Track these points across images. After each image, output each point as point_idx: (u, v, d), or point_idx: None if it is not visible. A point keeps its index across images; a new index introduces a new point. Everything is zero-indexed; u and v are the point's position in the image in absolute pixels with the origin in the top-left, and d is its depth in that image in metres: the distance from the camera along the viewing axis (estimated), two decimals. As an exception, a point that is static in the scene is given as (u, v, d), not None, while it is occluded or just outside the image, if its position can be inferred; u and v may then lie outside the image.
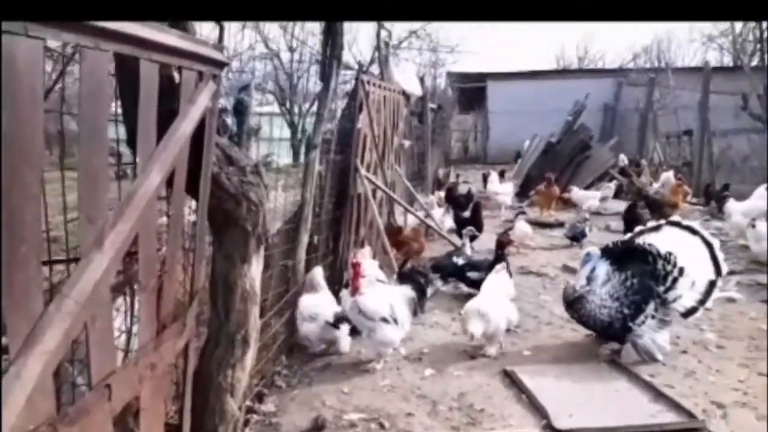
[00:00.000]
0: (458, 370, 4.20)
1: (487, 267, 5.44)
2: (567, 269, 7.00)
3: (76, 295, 1.47)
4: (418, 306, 4.47)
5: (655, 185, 12.64)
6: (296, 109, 21.02)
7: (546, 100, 21.22)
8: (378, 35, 8.51)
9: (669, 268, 4.36)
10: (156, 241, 1.97)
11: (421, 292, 4.53)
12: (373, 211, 6.32)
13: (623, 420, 3.41)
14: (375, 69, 10.13)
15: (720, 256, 4.46)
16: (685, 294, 4.36)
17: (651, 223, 4.91)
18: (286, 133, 18.62)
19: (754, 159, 14.58)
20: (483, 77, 26.04)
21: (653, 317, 4.29)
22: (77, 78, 1.55)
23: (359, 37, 32.37)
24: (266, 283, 3.77)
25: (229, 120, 5.72)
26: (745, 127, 15.76)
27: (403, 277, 4.73)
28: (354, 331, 4.47)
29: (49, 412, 1.39)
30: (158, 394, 2.02)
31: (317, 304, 4.37)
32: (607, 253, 4.59)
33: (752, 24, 17.37)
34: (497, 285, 4.79)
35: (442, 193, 10.74)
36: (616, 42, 61.54)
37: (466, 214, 8.62)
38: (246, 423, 3.28)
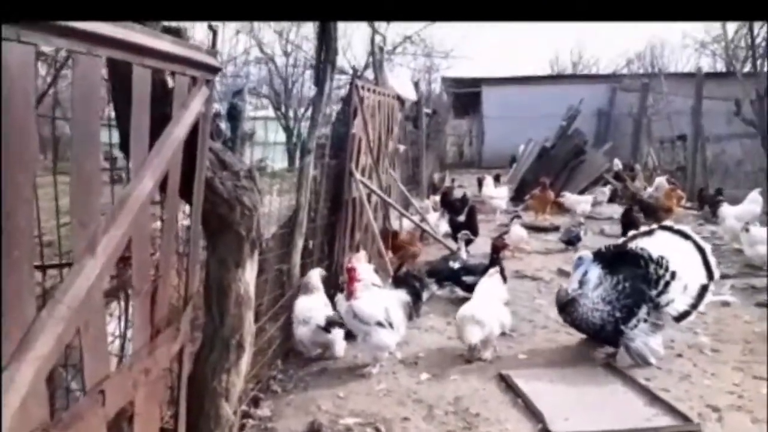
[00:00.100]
0: (454, 374, 4.19)
1: (482, 271, 5.45)
2: (562, 273, 7.01)
3: (68, 300, 1.46)
4: (413, 310, 4.47)
5: (649, 190, 12.71)
6: (291, 114, 21.04)
7: (540, 105, 21.29)
8: (372, 40, 8.54)
9: (661, 272, 4.38)
10: (149, 246, 1.97)
11: (416, 296, 4.53)
12: (368, 215, 6.32)
13: (619, 424, 3.42)
14: (370, 74, 10.16)
15: (712, 260, 4.48)
16: (678, 298, 4.38)
17: (644, 228, 4.93)
18: (281, 137, 18.63)
19: (747, 164, 14.67)
20: (478, 82, 26.12)
21: (646, 321, 4.30)
22: (71, 82, 1.55)
23: (354, 42, 32.44)
24: (261, 288, 3.77)
25: (223, 125, 5.72)
26: (738, 132, 15.84)
27: (398, 281, 4.72)
28: (349, 336, 4.46)
29: (42, 418, 1.38)
30: (153, 399, 2.01)
31: (311, 307, 4.36)
32: (599, 257, 4.62)
33: (744, 30, 17.49)
34: (490, 289, 4.79)
35: (438, 198, 10.75)
36: (610, 48, 62.02)
37: (462, 218, 8.63)
38: (241, 428, 3.26)
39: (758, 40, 16.81)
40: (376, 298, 4.27)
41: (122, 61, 1.69)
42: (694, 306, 4.39)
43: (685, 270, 4.41)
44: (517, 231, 8.39)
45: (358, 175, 5.96)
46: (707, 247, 4.54)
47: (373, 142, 6.55)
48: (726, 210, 8.69)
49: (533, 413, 3.55)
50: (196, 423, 2.53)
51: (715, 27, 19.95)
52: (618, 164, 15.13)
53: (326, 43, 4.96)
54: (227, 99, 5.97)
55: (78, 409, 1.54)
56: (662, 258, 4.41)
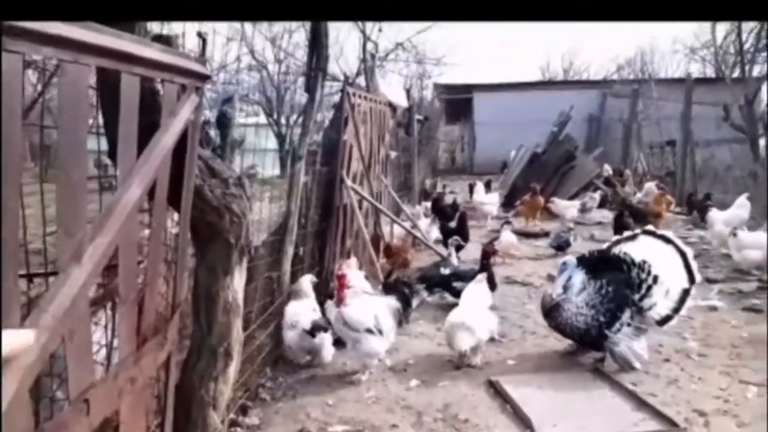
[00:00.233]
0: (443, 381, 4.20)
1: (472, 277, 5.46)
2: (552, 279, 7.03)
3: (53, 309, 1.46)
4: (403, 316, 4.48)
5: (639, 195, 12.79)
6: (284, 121, 21.04)
7: (532, 111, 21.43)
8: (364, 47, 8.59)
9: (643, 276, 4.43)
10: (137, 254, 1.97)
11: (405, 303, 4.54)
12: (359, 222, 6.34)
13: (606, 429, 3.44)
14: (362, 81, 10.19)
15: (693, 264, 4.52)
16: (660, 302, 4.42)
17: (627, 233, 4.98)
18: (273, 144, 18.61)
19: (736, 169, 14.81)
20: (469, 89, 26.25)
21: (629, 325, 4.35)
22: (58, 90, 1.56)
23: (346, 49, 32.46)
24: (251, 295, 3.77)
25: (213, 132, 5.73)
26: (726, 138, 16.02)
27: (388, 288, 4.74)
28: (339, 343, 4.46)
29: (26, 427, 1.38)
30: (139, 408, 2.01)
31: (298, 312, 4.36)
32: (583, 262, 4.66)
33: (733, 36, 17.69)
34: (476, 295, 4.80)
35: (429, 204, 10.78)
36: (601, 54, 62.34)
37: (452, 224, 8.66)
38: (229, 436, 3.26)
39: (746, 46, 17.04)
40: (365, 304, 4.27)
41: (111, 69, 1.69)
42: (676, 310, 4.43)
43: (667, 274, 4.46)
44: (508, 237, 8.42)
45: (349, 182, 5.97)
46: (689, 251, 4.59)
47: (365, 149, 6.58)
48: (714, 215, 8.77)
49: (522, 419, 3.57)
50: None
51: (704, 33, 20.22)
52: (608, 169, 15.23)
53: (317, 51, 4.98)
54: (217, 106, 5.97)
55: (62, 419, 1.54)
56: (645, 262, 4.46)
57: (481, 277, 5.07)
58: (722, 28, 18.59)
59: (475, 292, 4.84)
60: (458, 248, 7.10)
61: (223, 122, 5.66)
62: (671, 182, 14.55)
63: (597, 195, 12.58)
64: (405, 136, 12.04)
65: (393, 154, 9.13)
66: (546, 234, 10.13)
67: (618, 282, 4.42)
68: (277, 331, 4.43)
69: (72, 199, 1.54)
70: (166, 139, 2.01)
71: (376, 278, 5.93)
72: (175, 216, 2.41)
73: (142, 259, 2.10)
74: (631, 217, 9.71)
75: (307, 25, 5.87)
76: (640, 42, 30.62)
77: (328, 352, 4.43)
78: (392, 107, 8.33)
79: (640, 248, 4.59)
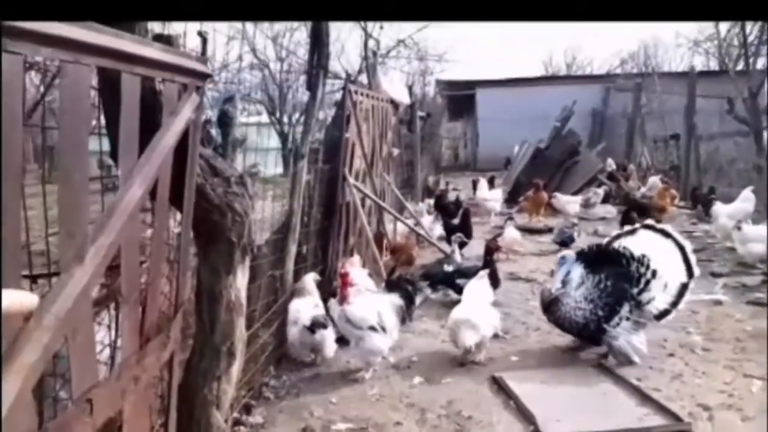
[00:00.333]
0: (447, 378, 4.21)
1: (475, 273, 5.46)
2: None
3: (56, 309, 1.47)
4: (406, 314, 4.49)
5: (643, 189, 12.74)
6: (286, 119, 21.03)
7: (534, 106, 21.34)
8: (366, 45, 8.58)
9: (642, 270, 4.43)
10: (139, 254, 1.97)
11: (409, 300, 4.54)
12: (362, 219, 6.34)
13: (610, 424, 3.44)
14: (364, 78, 10.18)
15: (692, 258, 4.52)
16: (658, 296, 4.42)
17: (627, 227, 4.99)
18: (275, 142, 18.61)
19: (740, 162, 14.70)
20: (472, 85, 26.17)
21: (628, 319, 4.35)
22: (59, 91, 1.56)
23: (347, 47, 32.47)
24: (254, 294, 3.78)
25: (214, 131, 5.73)
26: (731, 131, 15.89)
27: (391, 286, 4.74)
28: (342, 341, 4.47)
29: (29, 427, 1.39)
30: (142, 408, 2.02)
31: (299, 308, 4.37)
32: (581, 256, 4.68)
33: (737, 29, 17.58)
34: (478, 291, 4.80)
35: (432, 201, 10.78)
36: (604, 48, 62.22)
37: (456, 221, 8.66)
38: (234, 435, 3.27)
39: (750, 38, 16.91)
40: (368, 302, 4.28)
41: (111, 69, 1.70)
42: (674, 304, 4.44)
43: (665, 268, 4.46)
44: (511, 233, 8.42)
45: (351, 180, 5.97)
46: (687, 245, 4.59)
47: (367, 147, 6.58)
48: (719, 208, 8.74)
49: (525, 415, 3.57)
50: (187, 431, 2.54)
51: (708, 26, 20.02)
52: (612, 164, 15.18)
53: (318, 49, 4.98)
54: (219, 105, 5.98)
55: (65, 419, 1.54)
56: (644, 256, 4.46)
57: (483, 273, 5.07)
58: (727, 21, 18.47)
59: (477, 288, 4.84)
60: (462, 245, 7.09)
61: (225, 121, 5.66)
62: (675, 176, 14.48)
63: (601, 190, 12.55)
64: (407, 133, 12.03)
65: (395, 152, 9.13)
66: (550, 230, 10.12)
67: (617, 276, 4.43)
68: (280, 329, 4.44)
69: (74, 199, 1.55)
70: (167, 139, 2.02)
71: (380, 276, 5.93)
72: (178, 215, 2.42)
73: (144, 259, 2.11)
74: (629, 214, 9.71)
75: (309, 23, 5.87)
76: (643, 36, 30.50)
77: (330, 348, 4.43)
78: (394, 104, 8.32)
79: (640, 242, 4.61)
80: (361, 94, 6.43)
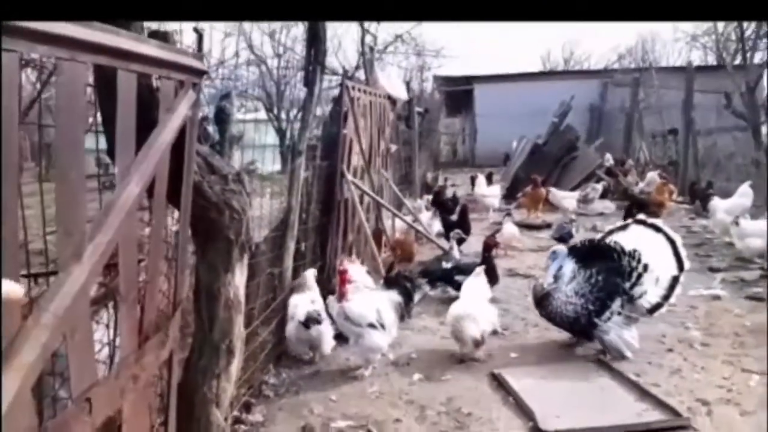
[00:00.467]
0: (446, 374, 4.21)
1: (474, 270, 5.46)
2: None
3: (54, 308, 1.46)
4: (405, 311, 4.49)
5: (641, 184, 12.75)
6: (283, 116, 21.00)
7: (532, 101, 21.32)
8: (363, 40, 8.55)
9: (634, 264, 4.46)
10: (137, 252, 1.97)
11: (407, 297, 4.55)
12: (361, 216, 6.33)
13: (609, 419, 3.44)
14: (361, 74, 10.15)
15: (682, 251, 4.54)
16: (650, 290, 4.44)
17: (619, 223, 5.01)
18: (273, 139, 18.59)
19: (738, 157, 14.72)
20: (469, 80, 26.15)
21: (620, 314, 4.38)
22: (55, 89, 1.55)
23: (344, 43, 32.33)
24: (253, 292, 3.78)
25: (211, 128, 5.71)
26: (729, 126, 15.91)
27: (390, 282, 4.74)
28: (341, 338, 4.47)
29: (29, 426, 1.39)
30: (141, 407, 2.01)
31: (296, 304, 4.37)
32: (573, 251, 4.71)
33: (734, 23, 17.58)
34: (476, 288, 4.81)
35: (430, 197, 10.78)
36: (601, 43, 62.12)
37: (454, 217, 8.65)
38: (233, 432, 3.27)
39: (748, 33, 16.91)
40: (367, 299, 4.28)
41: (108, 66, 1.69)
42: (666, 297, 4.46)
43: (657, 262, 4.49)
44: (510, 229, 8.42)
45: (349, 176, 5.96)
46: (678, 239, 4.61)
47: (365, 143, 6.56)
48: (717, 203, 8.74)
49: (525, 411, 3.58)
50: (187, 430, 2.53)
51: (705, 21, 20.06)
52: (610, 159, 15.18)
53: (315, 45, 4.97)
54: (215, 102, 5.96)
55: (65, 418, 1.54)
56: (635, 251, 4.48)
57: (480, 270, 5.07)
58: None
59: (475, 285, 4.84)
60: (460, 241, 7.09)
61: (222, 118, 5.64)
62: (673, 171, 14.48)
63: (599, 185, 12.56)
64: (405, 129, 12.01)
65: (393, 148, 9.11)
66: (548, 225, 10.12)
67: (608, 271, 4.46)
68: (279, 327, 4.44)
69: (71, 197, 1.54)
70: (164, 136, 2.01)
71: (378, 273, 5.93)
72: (175, 213, 2.41)
73: (142, 257, 2.11)
74: (632, 209, 9.71)
75: (306, 19, 5.85)
76: (641, 30, 30.42)
77: (327, 345, 4.41)
78: (392, 100, 8.31)
79: (631, 237, 4.63)
80: (359, 90, 6.41)
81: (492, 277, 5.70)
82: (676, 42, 26.94)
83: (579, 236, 8.62)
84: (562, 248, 4.81)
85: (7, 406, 1.29)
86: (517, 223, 9.32)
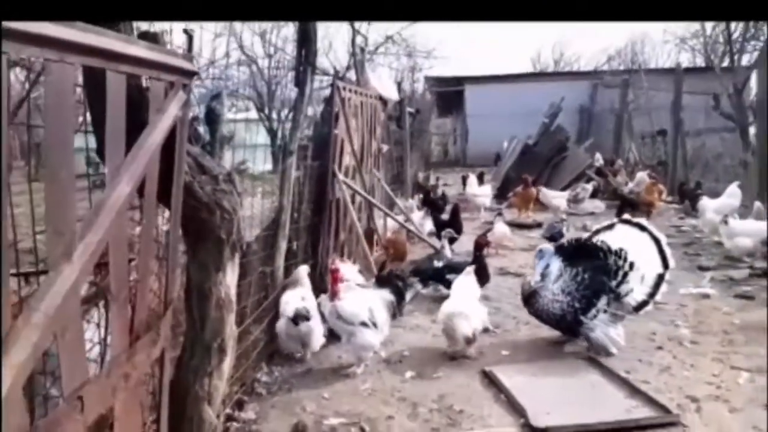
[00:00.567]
0: (438, 372, 4.23)
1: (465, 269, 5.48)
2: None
3: (45, 307, 1.46)
4: (397, 309, 4.50)
5: (631, 185, 12.84)
6: (275, 115, 20.98)
7: (523, 102, 21.44)
8: (353, 41, 8.56)
9: (620, 263, 4.51)
10: (128, 252, 1.97)
11: (399, 296, 4.56)
12: (352, 215, 6.34)
13: (600, 416, 3.46)
14: (352, 75, 10.17)
15: (667, 250, 4.59)
16: (636, 288, 4.50)
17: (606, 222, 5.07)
18: (264, 138, 18.56)
19: (726, 157, 14.87)
20: (460, 81, 26.24)
21: (605, 311, 4.43)
22: (44, 90, 1.56)
23: (335, 43, 32.37)
24: (245, 291, 3.78)
25: (201, 128, 5.71)
26: (717, 127, 16.09)
27: (382, 281, 4.75)
28: (334, 336, 4.47)
29: (20, 425, 1.39)
30: (133, 405, 2.01)
31: (288, 300, 4.37)
32: (560, 250, 4.77)
33: (722, 26, 17.74)
34: (466, 287, 4.83)
35: (422, 196, 10.82)
36: (591, 45, 62.38)
37: (445, 216, 8.68)
38: (225, 431, 3.27)
39: (735, 35, 17.10)
40: (359, 298, 4.29)
41: (97, 67, 1.69)
42: (652, 295, 4.51)
43: (642, 261, 4.54)
44: (501, 228, 8.46)
45: (341, 176, 5.97)
46: (662, 238, 4.66)
47: (356, 143, 6.57)
48: (705, 203, 8.83)
49: (516, 408, 3.60)
50: (179, 428, 2.54)
51: (694, 23, 20.25)
52: (600, 160, 15.28)
53: (306, 45, 4.97)
54: (206, 102, 5.96)
55: (56, 416, 1.54)
56: (621, 249, 4.54)
57: (470, 269, 5.10)
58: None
59: (465, 284, 4.87)
60: (452, 240, 7.12)
61: (212, 118, 5.64)
62: (663, 171, 14.60)
63: (589, 185, 12.64)
64: (397, 130, 12.04)
65: (385, 148, 9.13)
66: (539, 225, 10.18)
67: (594, 269, 4.51)
68: (271, 325, 4.44)
69: (61, 197, 1.54)
70: (154, 137, 2.01)
71: (370, 272, 5.94)
72: (166, 213, 2.41)
73: (133, 257, 2.11)
74: (624, 208, 9.78)
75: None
76: (631, 32, 30.66)
77: (317, 341, 4.40)
78: (383, 101, 8.32)
79: (617, 236, 4.69)
80: (350, 91, 6.42)
81: (483, 276, 5.74)
82: (665, 44, 27.16)
83: (569, 235, 8.67)
84: (548, 247, 4.88)
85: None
86: (509, 223, 9.37)
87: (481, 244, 6.09)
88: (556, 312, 4.50)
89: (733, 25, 16.62)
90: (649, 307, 4.57)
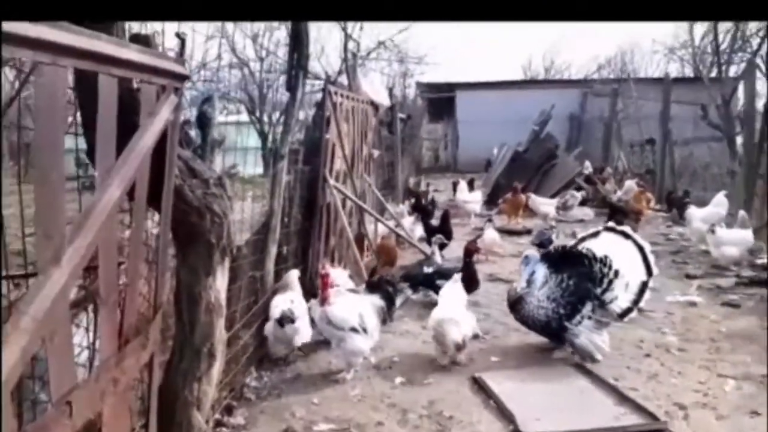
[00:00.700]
0: (428, 378, 4.23)
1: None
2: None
3: (33, 311, 1.45)
4: (387, 315, 4.50)
5: (619, 193, 12.95)
6: (266, 119, 20.94)
7: (514, 109, 21.58)
8: (346, 46, 8.58)
9: (605, 270, 4.55)
10: (117, 255, 1.96)
11: (389, 301, 4.56)
12: (343, 220, 6.34)
13: (588, 423, 3.48)
14: (344, 80, 10.19)
15: (651, 258, 4.64)
16: (621, 295, 4.54)
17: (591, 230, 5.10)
18: (254, 141, 18.51)
19: (714, 166, 15.03)
20: (452, 87, 26.36)
21: (590, 318, 4.46)
22: (35, 92, 1.55)
23: (327, 48, 32.44)
24: (235, 295, 3.76)
25: (193, 132, 5.69)
26: (704, 136, 16.24)
27: (372, 287, 4.75)
28: (324, 341, 4.46)
29: (8, 429, 1.37)
30: (121, 410, 2.00)
31: (277, 304, 4.36)
32: (546, 257, 4.81)
33: (710, 37, 17.98)
34: (453, 294, 4.84)
35: (413, 200, 10.84)
36: (582, 53, 62.96)
37: (436, 222, 8.70)
38: (214, 437, 3.25)
39: (723, 47, 17.33)
40: (349, 303, 4.28)
41: (89, 70, 1.68)
42: (636, 302, 4.55)
43: (627, 268, 4.58)
44: (491, 234, 8.48)
45: (332, 181, 5.97)
46: (646, 246, 4.71)
47: (348, 148, 6.58)
48: (693, 212, 8.91)
49: (505, 415, 3.61)
50: (168, 432, 2.52)
51: (682, 33, 20.52)
52: (589, 167, 15.39)
53: (298, 49, 4.97)
54: (197, 105, 5.94)
55: (44, 421, 1.52)
56: (606, 257, 4.58)
57: (457, 277, 5.12)
58: (700, 29, 18.92)
59: (452, 291, 4.88)
60: (442, 246, 7.13)
61: (204, 122, 5.63)
62: (651, 180, 14.73)
63: (578, 193, 12.72)
64: (388, 135, 12.04)
65: (376, 153, 9.13)
66: (528, 231, 10.22)
67: (580, 276, 4.55)
68: (261, 330, 4.42)
69: (51, 200, 1.53)
70: (145, 140, 2.00)
71: (360, 277, 5.94)
72: (156, 216, 2.40)
73: (123, 260, 2.09)
74: (616, 215, 9.83)
75: (288, 23, 5.86)
76: (621, 42, 30.95)
77: (301, 339, 4.37)
78: (375, 106, 8.33)
79: (602, 244, 4.73)
80: (342, 96, 6.43)
81: (473, 282, 5.75)
82: (654, 54, 27.38)
83: (558, 242, 8.71)
84: (534, 254, 4.92)
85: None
86: (498, 229, 9.40)
87: (470, 250, 6.10)
88: (541, 318, 4.54)
89: (721, 36, 16.87)
90: (634, 314, 4.61)
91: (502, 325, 5.42)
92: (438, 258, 6.69)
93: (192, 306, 2.60)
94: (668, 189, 13.50)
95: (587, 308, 4.45)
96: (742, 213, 7.95)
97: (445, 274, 5.89)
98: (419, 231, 8.64)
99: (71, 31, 1.51)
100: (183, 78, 2.29)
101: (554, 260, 4.74)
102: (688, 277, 7.14)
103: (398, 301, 5.13)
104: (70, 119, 2.13)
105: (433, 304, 4.85)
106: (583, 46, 55.18)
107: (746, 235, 7.43)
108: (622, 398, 3.79)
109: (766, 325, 5.11)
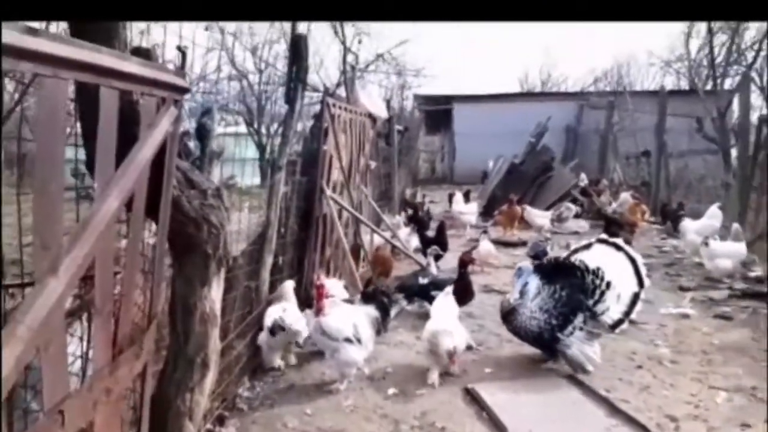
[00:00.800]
0: (421, 389, 4.24)
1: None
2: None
3: (29, 321, 1.47)
4: (381, 325, 4.51)
5: (614, 205, 13.00)
6: (264, 130, 21.01)
7: (510, 122, 21.65)
8: (344, 59, 8.64)
9: (597, 282, 4.59)
10: (113, 266, 1.98)
11: (384, 312, 4.57)
12: (339, 231, 6.36)
13: (580, 435, 3.50)
14: (342, 92, 10.26)
15: (643, 269, 4.68)
16: (612, 306, 4.57)
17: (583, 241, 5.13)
18: (252, 152, 18.57)
19: (708, 179, 15.12)
20: (449, 100, 26.47)
21: (582, 329, 4.49)
22: (36, 104, 1.58)
23: (326, 61, 32.56)
24: (229, 305, 3.78)
25: (192, 143, 5.73)
26: (699, 149, 16.34)
27: (367, 297, 4.76)
28: (317, 352, 4.47)
29: (0, 438, 1.39)
30: (114, 419, 2.01)
31: (270, 313, 4.38)
32: (539, 268, 4.85)
33: (706, 50, 18.11)
34: (445, 307, 4.86)
35: (409, 211, 10.89)
36: (578, 66, 63.41)
37: (431, 233, 8.73)
38: (207, 447, 3.26)
39: (718, 60, 17.46)
40: (344, 314, 4.30)
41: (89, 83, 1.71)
42: (627, 314, 4.58)
43: (618, 280, 4.62)
44: (486, 246, 8.51)
45: (329, 192, 6.01)
46: (638, 258, 4.75)
47: (345, 159, 6.62)
48: (687, 224, 8.96)
49: (498, 426, 3.62)
50: (160, 442, 2.53)
51: (678, 46, 20.66)
52: (584, 179, 15.46)
53: (297, 62, 5.03)
54: (197, 117, 5.98)
55: (36, 430, 1.54)
56: (599, 269, 4.62)
57: (449, 289, 5.14)
58: (696, 42, 19.07)
59: (444, 304, 4.91)
60: (437, 257, 7.15)
61: (203, 134, 5.67)
62: (646, 192, 14.80)
63: (573, 205, 12.77)
64: (385, 147, 12.09)
65: (373, 164, 9.18)
66: (524, 243, 10.24)
67: (572, 287, 4.59)
68: (254, 340, 4.43)
69: (49, 211, 1.55)
70: (144, 152, 2.03)
71: (356, 287, 5.96)
72: (152, 226, 2.42)
73: (118, 270, 2.12)
74: (611, 227, 9.87)
75: (288, 35, 5.92)
76: (617, 54, 31.20)
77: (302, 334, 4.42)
78: (372, 118, 8.39)
79: (595, 256, 4.77)
80: (340, 108, 6.48)
81: (467, 293, 5.77)
82: (650, 67, 27.55)
83: (553, 254, 8.75)
84: (527, 265, 4.95)
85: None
86: (494, 241, 9.43)
87: (465, 262, 6.12)
88: (533, 329, 4.56)
89: (716, 49, 17.00)
90: (626, 326, 4.64)
91: (495, 336, 5.44)
92: (433, 269, 6.71)
93: (187, 316, 2.62)
94: (663, 201, 13.56)
95: (579, 319, 4.49)
96: (735, 226, 8.00)
97: (440, 285, 5.91)
98: (415, 242, 8.67)
99: (72, 44, 1.55)
100: (183, 90, 2.33)
101: (547, 272, 4.78)
102: (682, 289, 7.18)
103: (393, 311, 5.15)
104: (68, 130, 2.16)
105: (428, 315, 4.87)
106: (579, 59, 55.51)
107: (740, 248, 7.48)
108: (614, 410, 3.81)
109: (766, 338, 5.13)
